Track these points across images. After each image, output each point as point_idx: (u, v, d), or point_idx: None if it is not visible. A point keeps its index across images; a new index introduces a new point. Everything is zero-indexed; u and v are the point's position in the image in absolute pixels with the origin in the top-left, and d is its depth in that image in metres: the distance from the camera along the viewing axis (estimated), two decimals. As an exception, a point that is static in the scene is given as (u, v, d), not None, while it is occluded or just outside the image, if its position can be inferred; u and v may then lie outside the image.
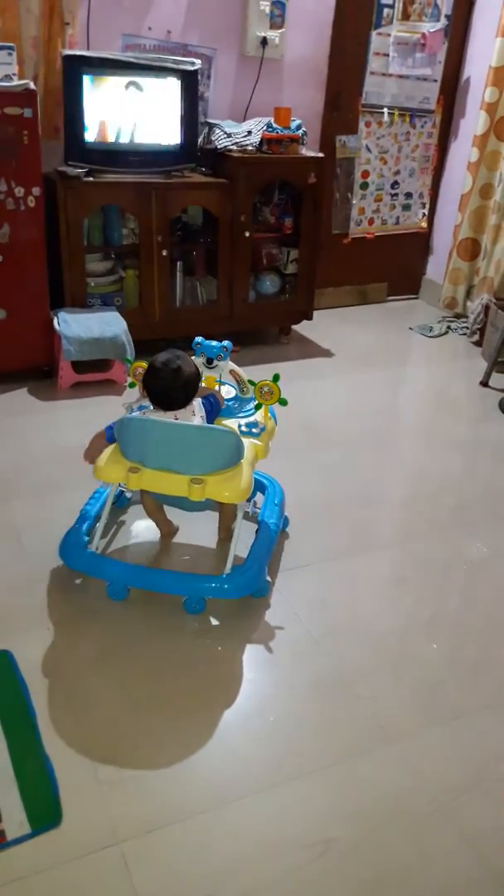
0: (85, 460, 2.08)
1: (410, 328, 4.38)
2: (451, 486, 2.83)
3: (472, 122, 4.22)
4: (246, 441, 2.08)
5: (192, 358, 2.19)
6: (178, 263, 3.67)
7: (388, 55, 4.09)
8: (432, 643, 2.03)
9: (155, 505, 2.21)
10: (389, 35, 4.04)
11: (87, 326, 3.21)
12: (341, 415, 3.30)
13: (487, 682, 1.92)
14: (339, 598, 2.17)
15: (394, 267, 4.75)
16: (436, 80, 4.27)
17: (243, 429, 2.15)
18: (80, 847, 1.44)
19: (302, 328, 4.15)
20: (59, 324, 3.20)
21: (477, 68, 4.23)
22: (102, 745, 1.66)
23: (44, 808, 1.50)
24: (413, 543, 2.46)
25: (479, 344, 4.13)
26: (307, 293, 3.94)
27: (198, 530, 2.34)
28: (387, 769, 1.66)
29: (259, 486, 2.46)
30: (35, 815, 1.48)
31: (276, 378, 2.16)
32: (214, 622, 2.04)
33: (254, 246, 3.74)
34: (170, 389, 1.98)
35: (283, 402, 2.17)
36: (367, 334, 4.27)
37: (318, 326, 4.15)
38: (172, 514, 2.28)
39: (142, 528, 2.35)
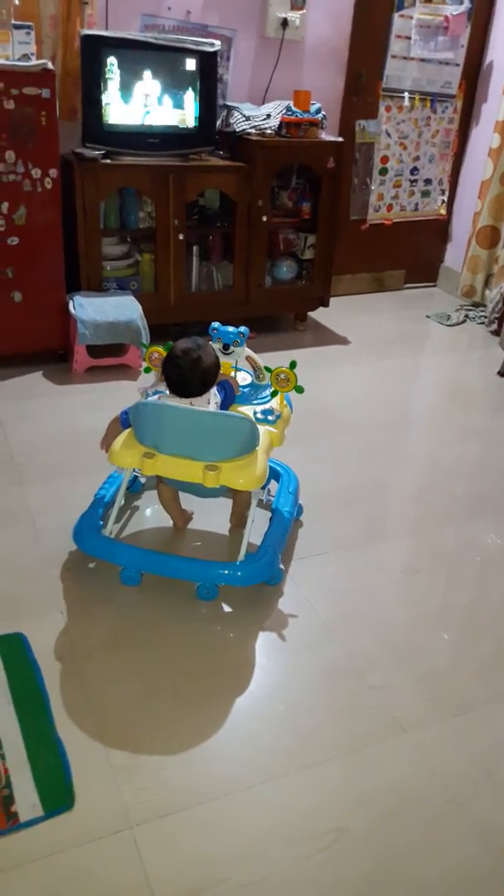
0: (102, 448, 2.08)
1: (427, 316, 4.34)
2: (465, 476, 2.81)
3: (494, 107, 4.16)
4: (261, 428, 2.07)
5: (211, 345, 2.18)
6: (195, 248, 3.65)
7: (409, 38, 4.02)
8: (444, 634, 2.02)
9: (171, 495, 2.21)
10: (412, 17, 3.98)
11: (102, 310, 3.20)
12: (356, 403, 3.28)
13: (501, 675, 1.90)
14: (353, 587, 2.16)
15: (412, 254, 4.70)
16: (458, 65, 4.20)
17: (259, 416, 2.14)
18: (93, 831, 1.45)
19: (318, 315, 4.12)
20: (74, 307, 3.19)
21: (500, 53, 4.17)
22: (115, 730, 1.66)
23: (57, 792, 1.50)
24: (427, 534, 2.45)
25: (496, 333, 4.08)
26: (324, 279, 3.91)
27: (212, 517, 2.34)
28: (398, 759, 1.66)
29: (273, 474, 2.45)
30: (48, 798, 1.49)
31: (292, 365, 2.14)
32: (227, 609, 2.03)
33: (271, 231, 3.71)
34: (188, 378, 1.96)
35: (300, 390, 2.15)
36: (384, 322, 4.24)
37: (335, 314, 4.12)
38: (186, 500, 2.27)
39: (156, 514, 2.34)
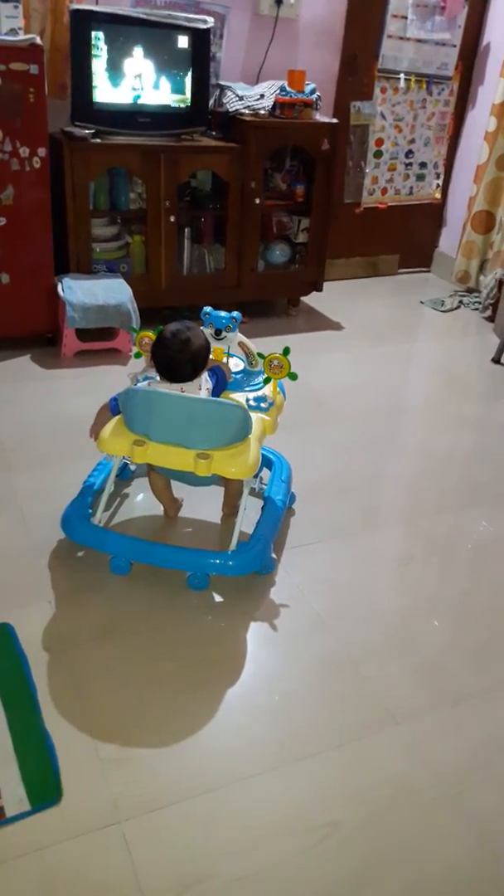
0: (91, 436, 2.03)
1: (421, 302, 4.30)
2: (460, 464, 2.78)
3: (491, 89, 4.10)
4: (254, 416, 2.03)
5: (201, 329, 2.13)
6: (186, 230, 3.59)
7: (406, 18, 3.95)
8: (439, 624, 1.99)
9: (162, 483, 2.17)
10: (409, -4, 3.91)
11: (91, 293, 3.14)
12: (349, 390, 3.24)
13: (496, 665, 1.89)
14: (346, 576, 2.13)
15: (406, 238, 4.65)
16: (455, 46, 4.13)
17: (251, 403, 2.09)
18: (81, 825, 1.42)
19: (311, 300, 4.07)
20: (63, 290, 3.13)
21: (498, 34, 4.10)
22: (104, 722, 1.63)
23: (44, 785, 1.47)
24: (421, 522, 2.42)
25: (491, 320, 4.05)
26: (317, 264, 3.85)
27: (203, 505, 2.30)
28: (392, 751, 1.64)
29: (266, 462, 2.41)
30: (35, 792, 1.46)
31: (286, 351, 2.10)
32: (218, 599, 2.00)
33: (264, 213, 3.65)
34: (177, 361, 1.92)
35: (294, 377, 2.11)
36: (378, 307, 4.19)
37: (328, 298, 4.07)
38: (177, 488, 2.23)
39: (146, 501, 2.30)
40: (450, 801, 1.54)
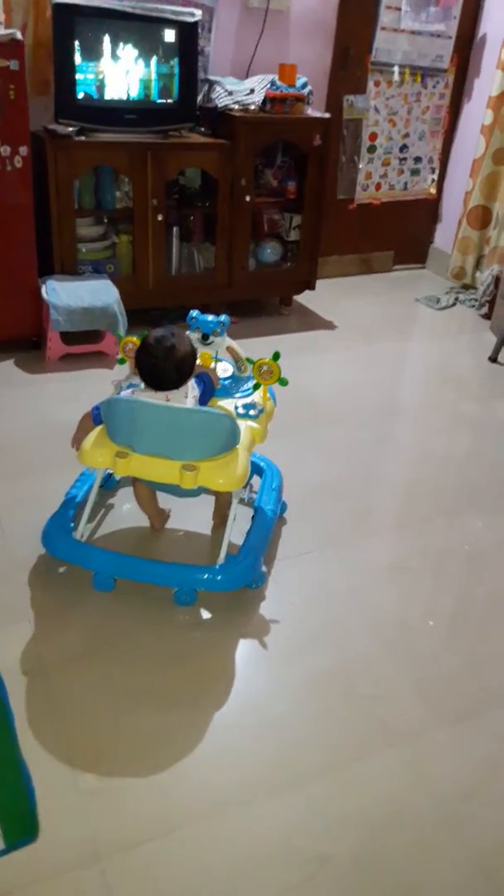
0: (72, 446, 1.95)
1: (417, 299, 4.22)
2: (456, 467, 2.70)
3: (488, 82, 4.01)
4: (242, 424, 1.95)
5: (188, 333, 2.05)
6: (175, 229, 3.50)
7: (399, 9, 3.85)
8: (438, 637, 1.92)
9: (148, 494, 2.09)
10: (401, -13, 3.82)
11: (76, 295, 3.05)
12: (343, 391, 3.16)
13: (497, 680, 1.81)
14: (339, 588, 2.06)
15: (401, 235, 4.57)
16: (450, 37, 4.04)
17: (240, 410, 2.02)
18: (58, 864, 1.35)
19: (304, 298, 3.98)
20: (47, 292, 3.04)
21: (494, 25, 4.01)
22: (85, 751, 1.55)
23: (19, 822, 1.39)
24: (417, 529, 2.34)
25: (487, 317, 3.97)
26: (310, 262, 3.77)
27: (191, 515, 2.23)
28: (389, 774, 1.57)
29: (256, 469, 2.33)
30: (9, 829, 1.37)
31: (276, 356, 2.02)
32: (206, 615, 1.93)
33: (254, 211, 3.57)
34: (161, 369, 1.84)
35: (284, 383, 2.03)
36: (372, 306, 4.11)
37: (321, 297, 3.99)
38: (164, 498, 2.15)
39: (131, 512, 2.22)
40: (450, 828, 1.47)
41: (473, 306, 4.14)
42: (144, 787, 1.50)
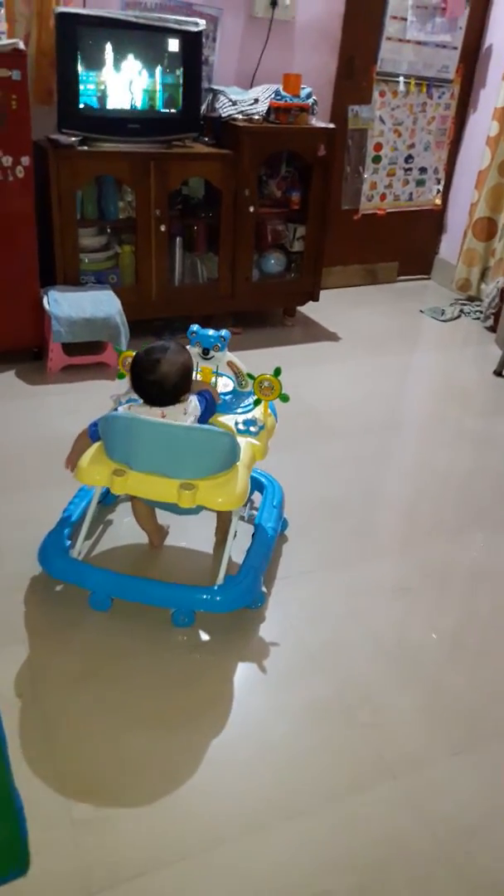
0: (66, 467, 1.92)
1: (421, 311, 4.18)
2: (461, 484, 2.66)
3: (493, 93, 3.98)
4: (243, 441, 1.91)
5: (188, 347, 2.02)
6: (178, 239, 3.47)
7: (405, 19, 3.84)
8: (441, 662, 1.88)
9: (146, 512, 2.05)
10: (407, -3, 3.79)
11: (78, 306, 3.03)
12: (346, 404, 3.13)
13: (499, 710, 1.77)
14: (340, 609, 2.02)
15: (405, 246, 4.54)
16: (455, 48, 4.02)
17: (240, 426, 1.98)
18: (49, 899, 1.31)
19: (307, 309, 3.96)
20: (48, 303, 3.02)
21: (500, 36, 3.99)
22: (79, 778, 1.52)
23: (10, 854, 1.35)
24: (421, 548, 2.30)
25: (493, 329, 3.93)
26: (314, 273, 3.74)
27: (191, 531, 2.19)
28: (389, 809, 1.52)
29: (257, 485, 2.30)
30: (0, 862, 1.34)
31: (277, 372, 1.98)
32: (205, 636, 1.89)
33: (258, 222, 3.55)
34: (149, 383, 1.81)
35: (285, 399, 2.00)
36: (376, 317, 4.08)
37: (325, 308, 3.96)
38: (163, 514, 2.11)
39: (130, 528, 2.18)
40: (452, 868, 1.42)
41: (478, 318, 4.10)
42: (139, 817, 1.46)
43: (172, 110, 3.25)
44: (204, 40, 3.29)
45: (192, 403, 1.86)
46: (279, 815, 1.49)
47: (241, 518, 2.12)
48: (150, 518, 2.09)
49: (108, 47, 3.05)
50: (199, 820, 1.46)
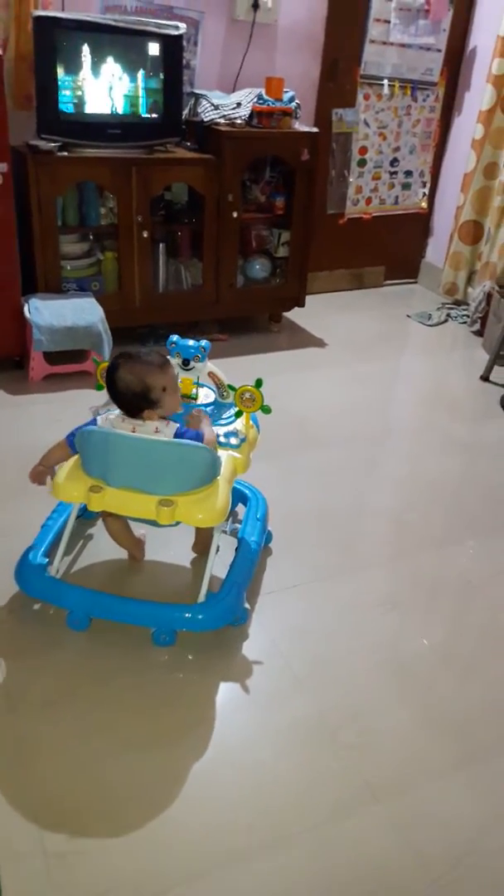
0: (30, 479, 1.88)
1: (408, 315, 4.15)
2: (449, 492, 2.63)
3: (478, 95, 3.95)
4: (223, 454, 1.87)
5: (168, 358, 1.97)
6: (161, 245, 3.43)
7: (389, 22, 3.81)
8: (428, 681, 1.84)
9: (119, 527, 2.00)
10: (391, 0, 3.76)
11: (60, 314, 2.98)
12: (332, 411, 3.09)
13: (488, 731, 1.72)
14: (326, 626, 1.97)
15: (392, 250, 4.51)
16: (440, 50, 3.99)
17: (221, 439, 1.94)
18: (20, 938, 1.26)
19: (293, 315, 3.92)
20: (29, 311, 2.96)
21: (484, 38, 3.96)
22: (53, 807, 1.47)
23: (-20, 890, 1.31)
24: (409, 560, 2.26)
25: (479, 334, 3.91)
26: (299, 278, 3.70)
27: (172, 545, 2.15)
28: (373, 834, 1.48)
29: (240, 497, 2.26)
30: (-31, 899, 1.29)
31: (258, 383, 1.94)
32: (186, 655, 1.84)
33: (242, 227, 3.51)
34: (113, 393, 1.77)
35: (267, 410, 1.96)
36: (363, 322, 4.04)
37: (311, 313, 3.92)
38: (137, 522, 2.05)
39: (110, 544, 2.13)
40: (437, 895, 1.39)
41: (465, 323, 4.07)
42: (115, 848, 1.41)
43: (153, 115, 3.21)
44: (185, 44, 3.25)
45: (170, 428, 1.78)
46: (260, 842, 1.45)
47: (224, 532, 2.08)
48: (125, 533, 2.03)
49: (88, 51, 3.01)
50: (179, 850, 1.42)
